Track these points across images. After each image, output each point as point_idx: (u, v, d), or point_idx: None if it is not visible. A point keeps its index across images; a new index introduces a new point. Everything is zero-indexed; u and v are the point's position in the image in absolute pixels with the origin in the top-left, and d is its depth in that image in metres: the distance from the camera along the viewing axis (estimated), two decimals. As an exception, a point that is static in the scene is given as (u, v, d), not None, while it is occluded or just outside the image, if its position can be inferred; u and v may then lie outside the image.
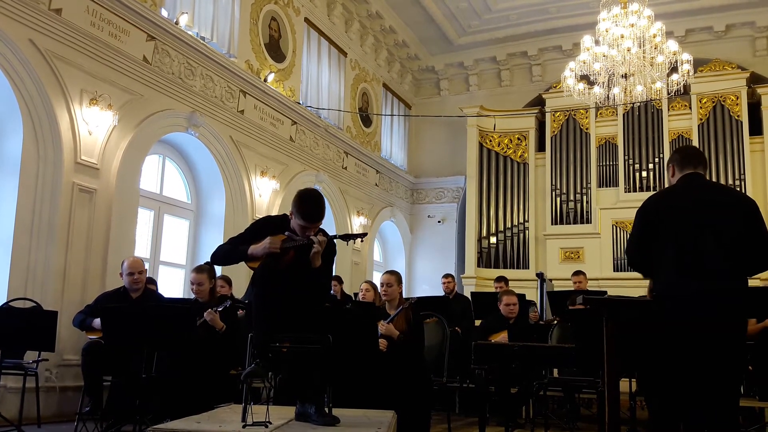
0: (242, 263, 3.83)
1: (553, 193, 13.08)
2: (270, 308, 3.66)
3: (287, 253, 3.67)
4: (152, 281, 7.12)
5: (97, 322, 5.62)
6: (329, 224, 11.07)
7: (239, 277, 8.00)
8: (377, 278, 7.05)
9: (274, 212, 9.46)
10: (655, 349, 3.40)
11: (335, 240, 3.89)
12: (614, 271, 12.15)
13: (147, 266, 8.05)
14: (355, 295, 9.27)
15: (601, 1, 9.14)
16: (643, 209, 3.61)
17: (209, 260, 4.04)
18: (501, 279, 9.59)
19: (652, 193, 12.90)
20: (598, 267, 12.19)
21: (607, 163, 12.79)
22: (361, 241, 4.02)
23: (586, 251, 12.56)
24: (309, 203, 3.72)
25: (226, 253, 3.83)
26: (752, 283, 3.56)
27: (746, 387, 7.46)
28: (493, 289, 9.85)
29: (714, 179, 11.72)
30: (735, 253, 3.34)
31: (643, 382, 4.95)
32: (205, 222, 9.21)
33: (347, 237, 3.90)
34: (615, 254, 12.24)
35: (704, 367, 3.26)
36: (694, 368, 3.28)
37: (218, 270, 7.25)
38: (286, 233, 3.72)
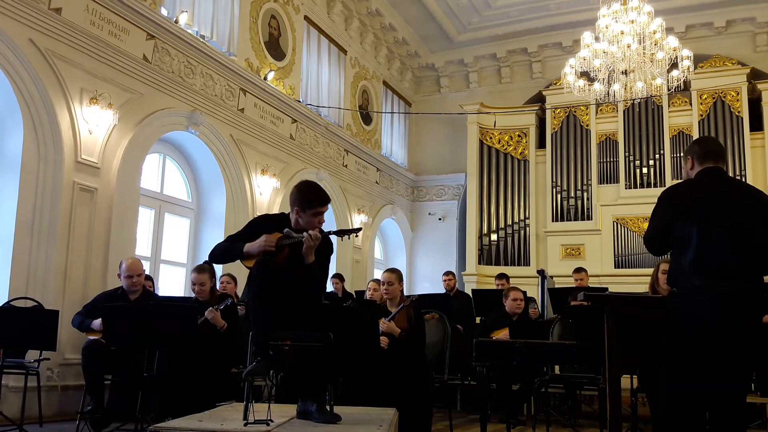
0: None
1: (554, 189, 13.08)
2: (267, 306, 3.66)
3: (282, 251, 3.67)
4: (148, 278, 7.10)
5: (95, 323, 5.62)
6: (330, 222, 11.06)
7: (244, 274, 7.99)
8: (378, 276, 7.05)
9: (275, 210, 9.45)
10: (667, 346, 3.38)
11: (330, 236, 3.89)
12: (615, 267, 12.16)
13: (148, 265, 8.09)
14: (357, 293, 9.28)
15: (601, -2, 9.14)
16: (666, 199, 3.51)
17: (208, 257, 4.05)
18: (502, 276, 9.58)
19: (653, 189, 12.93)
20: (599, 263, 12.19)
21: (608, 159, 12.79)
22: (356, 236, 4.05)
23: (587, 248, 12.56)
24: (312, 189, 3.83)
25: (223, 252, 3.85)
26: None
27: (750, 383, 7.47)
28: (494, 286, 9.85)
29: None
30: (752, 255, 3.30)
31: (647, 380, 4.95)
32: (206, 220, 9.21)
33: (342, 233, 3.91)
34: (616, 251, 12.24)
35: (716, 366, 3.24)
36: (706, 367, 3.25)
37: (221, 268, 7.26)
38: (285, 230, 3.72)
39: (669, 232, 3.45)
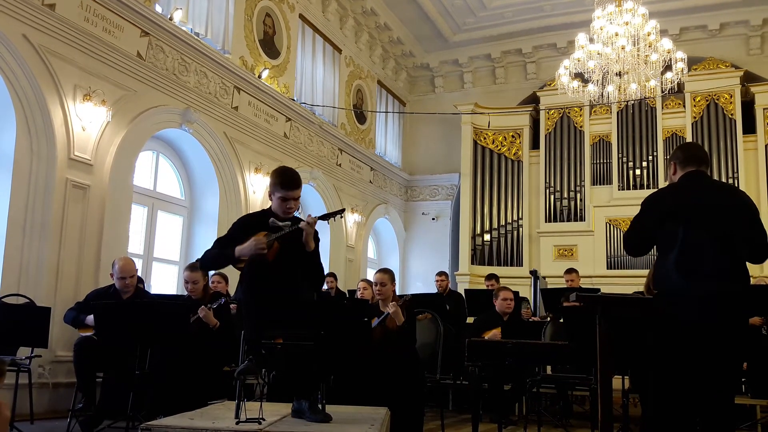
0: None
1: (547, 190, 13.11)
2: (260, 303, 3.66)
3: (271, 247, 3.68)
4: (140, 280, 7.08)
5: (90, 318, 5.60)
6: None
7: (235, 273, 7.99)
8: (371, 275, 7.06)
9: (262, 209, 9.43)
10: (655, 347, 3.41)
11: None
12: (607, 268, 12.20)
13: (140, 262, 8.06)
14: (350, 292, 9.28)
15: (596, -1, 9.16)
16: (650, 205, 3.56)
17: (199, 266, 4.06)
18: (492, 276, 9.59)
19: (645, 191, 13.01)
20: (592, 264, 12.23)
21: (601, 160, 12.83)
22: (341, 217, 4.05)
23: (580, 249, 12.60)
24: (281, 173, 3.83)
25: (215, 258, 3.85)
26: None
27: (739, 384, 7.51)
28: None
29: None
30: (737, 256, 3.35)
31: (638, 380, 4.98)
32: (199, 218, 9.19)
33: (327, 216, 3.92)
34: (608, 252, 12.28)
35: (704, 367, 3.27)
36: (693, 369, 3.28)
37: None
38: (270, 220, 3.73)
39: (651, 238, 3.52)
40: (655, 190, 3.75)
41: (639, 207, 3.63)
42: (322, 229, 3.98)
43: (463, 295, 9.15)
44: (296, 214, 4.00)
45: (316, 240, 3.86)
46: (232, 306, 6.15)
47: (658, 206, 3.53)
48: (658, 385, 3.40)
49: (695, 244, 3.33)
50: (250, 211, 9.07)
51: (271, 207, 3.90)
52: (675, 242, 3.37)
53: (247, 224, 3.84)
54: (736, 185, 11.59)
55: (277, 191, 3.76)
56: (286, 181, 3.77)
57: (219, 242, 3.89)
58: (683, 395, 3.31)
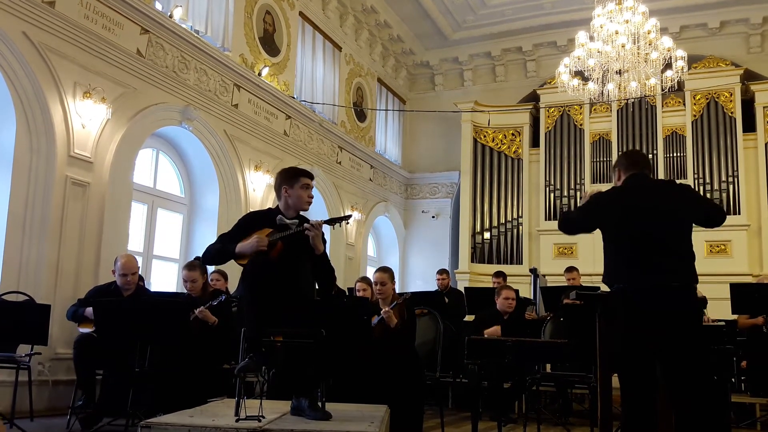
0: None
1: (547, 188, 13.10)
2: (261, 302, 3.67)
3: (275, 246, 3.69)
4: (140, 278, 7.09)
5: (89, 311, 5.60)
6: (323, 218, 11.04)
7: (235, 270, 7.99)
8: (371, 273, 7.06)
9: (269, 206, 9.43)
10: (620, 339, 3.52)
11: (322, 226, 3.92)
12: (607, 266, 12.17)
13: (140, 260, 8.06)
14: (350, 290, 9.28)
15: (596, -3, 9.15)
16: (601, 200, 3.83)
17: (201, 259, 4.08)
18: (500, 274, 9.56)
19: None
20: (592, 263, 12.19)
21: (601, 159, 12.82)
22: (347, 223, 4.15)
23: (580, 247, 12.59)
24: (293, 167, 4.07)
25: (217, 253, 3.88)
26: (743, 279, 3.65)
27: (739, 382, 7.52)
28: (486, 284, 9.86)
29: (707, 176, 11.93)
30: (684, 252, 3.56)
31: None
32: (199, 216, 9.19)
33: (332, 221, 3.96)
34: (608, 250, 12.25)
35: (668, 353, 3.44)
36: (657, 355, 3.46)
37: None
38: (278, 217, 3.75)
39: (587, 228, 3.97)
40: (601, 191, 4.02)
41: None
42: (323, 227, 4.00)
43: (463, 292, 9.15)
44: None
45: (323, 242, 3.89)
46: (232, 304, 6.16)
47: (606, 206, 3.76)
48: (625, 376, 3.50)
49: (647, 243, 3.53)
50: (251, 209, 9.09)
51: (278, 206, 3.91)
52: (626, 241, 3.60)
53: (253, 221, 3.86)
54: (736, 184, 11.63)
55: (296, 182, 3.86)
56: (301, 171, 3.96)
57: (222, 238, 3.90)
58: (652, 379, 3.43)
